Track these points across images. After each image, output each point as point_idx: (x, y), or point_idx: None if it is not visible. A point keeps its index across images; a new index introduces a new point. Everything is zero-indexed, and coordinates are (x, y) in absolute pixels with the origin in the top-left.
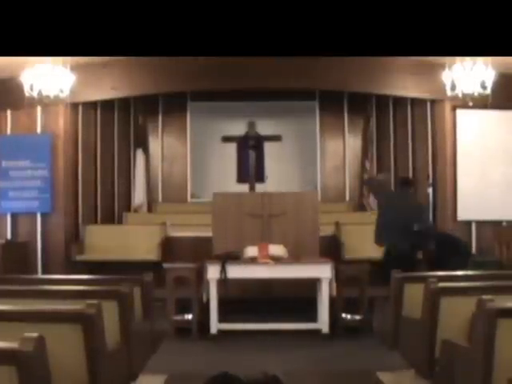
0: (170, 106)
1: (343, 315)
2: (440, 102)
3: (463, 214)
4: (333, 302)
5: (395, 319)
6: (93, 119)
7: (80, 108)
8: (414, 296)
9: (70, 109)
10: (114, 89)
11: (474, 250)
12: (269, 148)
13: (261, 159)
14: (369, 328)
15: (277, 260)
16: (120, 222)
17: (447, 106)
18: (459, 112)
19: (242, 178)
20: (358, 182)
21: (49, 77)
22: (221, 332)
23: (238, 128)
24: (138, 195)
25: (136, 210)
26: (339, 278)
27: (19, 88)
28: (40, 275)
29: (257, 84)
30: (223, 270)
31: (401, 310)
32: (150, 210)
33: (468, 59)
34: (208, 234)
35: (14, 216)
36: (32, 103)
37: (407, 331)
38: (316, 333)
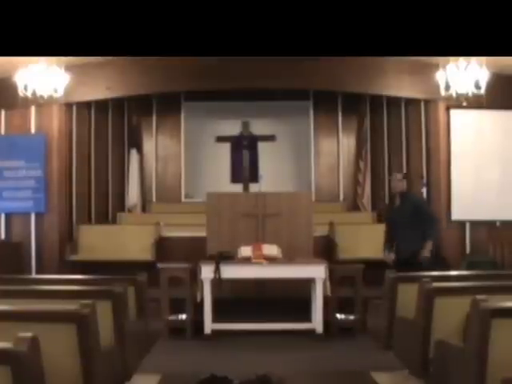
0: (163, 106)
1: (337, 315)
2: (434, 101)
3: (457, 213)
4: (327, 302)
5: (389, 319)
6: (87, 119)
7: (74, 108)
8: (408, 296)
9: (64, 109)
10: (108, 89)
11: (468, 250)
12: (263, 148)
13: (255, 159)
14: (363, 328)
15: (271, 260)
16: (114, 221)
17: (441, 106)
18: (453, 112)
19: (236, 177)
20: (352, 181)
21: (43, 77)
22: (215, 332)
23: (232, 128)
24: (132, 195)
25: (130, 210)
26: (333, 278)
27: (13, 88)
28: (34, 275)
29: (251, 84)
30: (217, 270)
31: (395, 310)
32: (144, 209)
33: (462, 59)
34: (202, 233)
35: (8, 216)
36: (26, 103)
37: (401, 331)
38: (310, 333)
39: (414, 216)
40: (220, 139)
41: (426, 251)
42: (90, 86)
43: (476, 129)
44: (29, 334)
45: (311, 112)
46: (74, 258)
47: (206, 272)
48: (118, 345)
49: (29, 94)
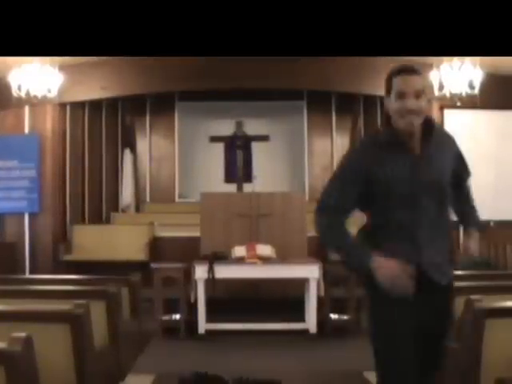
0: (157, 106)
1: (331, 315)
2: (428, 101)
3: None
4: (320, 302)
5: None
6: (81, 119)
7: (68, 108)
8: None
9: (58, 109)
10: (104, 89)
11: (462, 250)
12: (257, 148)
13: (249, 159)
14: (356, 328)
15: (265, 260)
16: (108, 221)
17: (435, 106)
18: (447, 112)
19: (229, 177)
20: None
21: (37, 77)
22: (208, 332)
23: (226, 128)
24: (126, 195)
25: (124, 210)
26: (327, 278)
27: (7, 88)
28: (28, 275)
29: (245, 84)
30: (211, 270)
31: None
32: (137, 210)
33: (456, 59)
34: (196, 233)
35: (2, 216)
36: (20, 103)
37: None
38: (304, 333)
39: (451, 182)
40: (214, 139)
41: (474, 247)
42: (84, 85)
43: (470, 129)
44: (23, 334)
45: (305, 112)
46: (67, 258)
47: (200, 272)
48: (111, 345)
49: (22, 93)
